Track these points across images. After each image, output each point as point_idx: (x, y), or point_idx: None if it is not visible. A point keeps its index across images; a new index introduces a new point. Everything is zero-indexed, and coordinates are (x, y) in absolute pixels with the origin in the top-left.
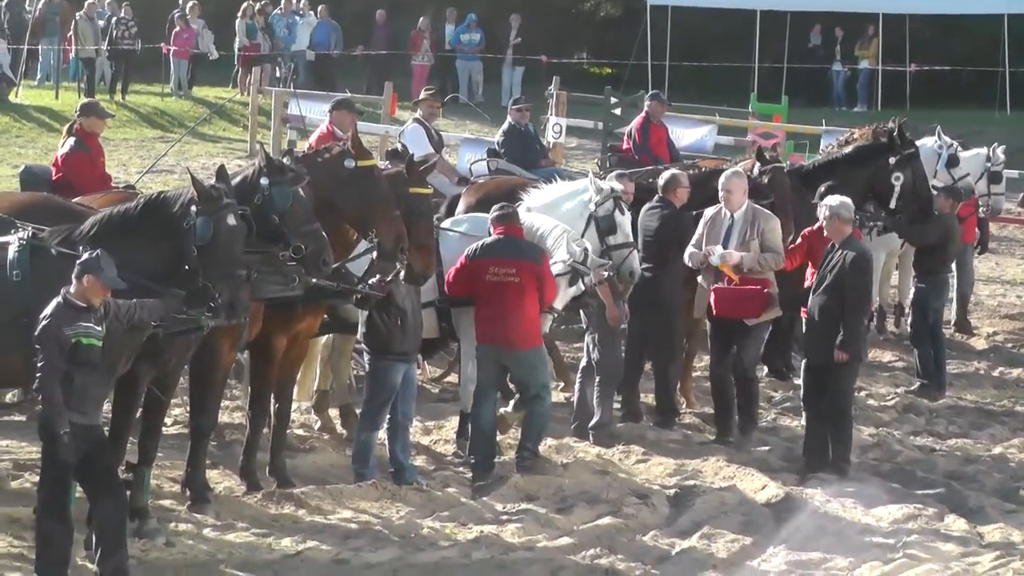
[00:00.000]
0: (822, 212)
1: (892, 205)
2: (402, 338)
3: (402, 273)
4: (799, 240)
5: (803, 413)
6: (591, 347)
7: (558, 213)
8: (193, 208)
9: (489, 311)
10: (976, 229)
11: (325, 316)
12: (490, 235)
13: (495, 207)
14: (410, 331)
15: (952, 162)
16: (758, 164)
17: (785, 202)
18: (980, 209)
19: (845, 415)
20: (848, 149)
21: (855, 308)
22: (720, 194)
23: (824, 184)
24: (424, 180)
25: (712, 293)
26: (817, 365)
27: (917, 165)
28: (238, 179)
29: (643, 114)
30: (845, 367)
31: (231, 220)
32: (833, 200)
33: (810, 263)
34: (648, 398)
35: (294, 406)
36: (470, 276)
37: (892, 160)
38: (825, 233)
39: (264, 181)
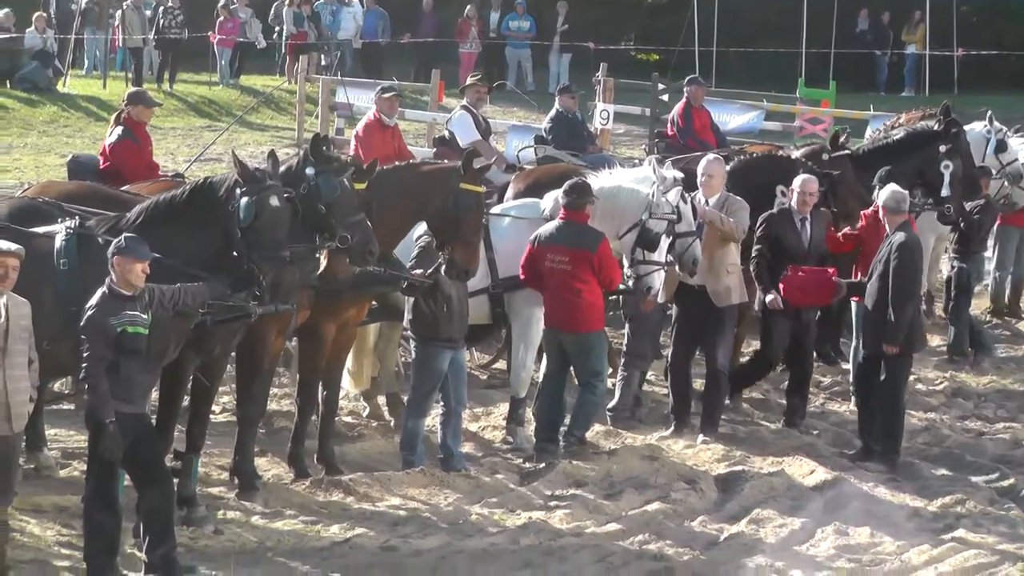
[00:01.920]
0: (879, 201)
1: (943, 193)
2: (448, 324)
3: (443, 268)
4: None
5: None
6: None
7: (620, 201)
8: (238, 191)
9: (549, 296)
10: None
11: (373, 303)
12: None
13: (564, 186)
14: (456, 317)
15: (1000, 147)
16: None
17: (852, 190)
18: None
19: (896, 406)
20: (899, 135)
21: (900, 297)
22: (700, 179)
23: (884, 168)
24: (477, 179)
25: (780, 283)
26: (871, 354)
27: (965, 150)
28: (282, 168)
29: (684, 99)
30: (897, 357)
31: (274, 201)
32: (888, 191)
33: (862, 248)
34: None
35: (343, 393)
36: (533, 261)
37: (942, 148)
38: (883, 222)
39: (310, 171)
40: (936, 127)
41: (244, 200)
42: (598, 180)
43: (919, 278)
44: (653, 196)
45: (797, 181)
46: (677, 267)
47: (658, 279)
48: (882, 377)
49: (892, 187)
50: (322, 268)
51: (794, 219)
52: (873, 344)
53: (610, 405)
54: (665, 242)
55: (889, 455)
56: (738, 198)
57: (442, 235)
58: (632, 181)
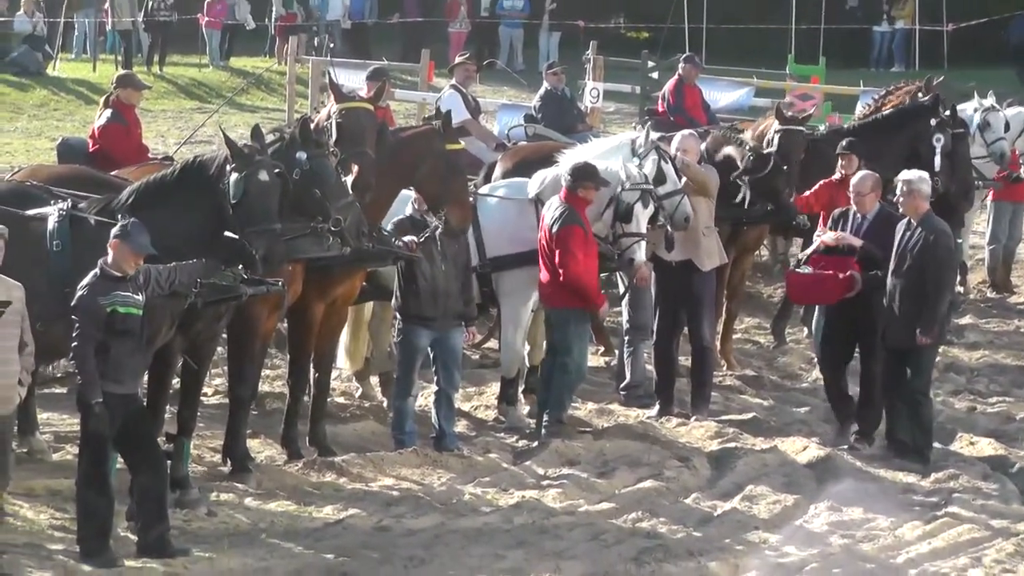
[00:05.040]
0: (899, 188)
1: (936, 168)
2: (416, 301)
3: (439, 230)
4: (819, 188)
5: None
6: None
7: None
8: (228, 168)
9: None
10: None
11: (364, 283)
12: None
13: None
14: (427, 296)
15: (983, 126)
16: (776, 122)
17: (791, 164)
18: (1022, 169)
19: (926, 398)
20: (888, 111)
21: (939, 290)
22: (677, 154)
23: (847, 139)
24: (456, 137)
25: (787, 278)
26: (898, 348)
27: (961, 140)
28: (271, 151)
29: (676, 76)
30: (926, 350)
31: (263, 176)
32: (911, 175)
33: (822, 216)
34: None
35: (335, 374)
36: None
37: (933, 122)
38: (901, 209)
39: (302, 155)
40: (925, 102)
41: (234, 176)
42: (573, 160)
43: (956, 269)
44: (623, 169)
45: (853, 180)
46: (669, 227)
47: (639, 250)
48: (909, 371)
49: (918, 172)
50: None
51: (852, 218)
52: (904, 337)
53: (623, 384)
54: (644, 212)
55: (924, 450)
56: (709, 166)
57: (434, 199)
58: (608, 152)
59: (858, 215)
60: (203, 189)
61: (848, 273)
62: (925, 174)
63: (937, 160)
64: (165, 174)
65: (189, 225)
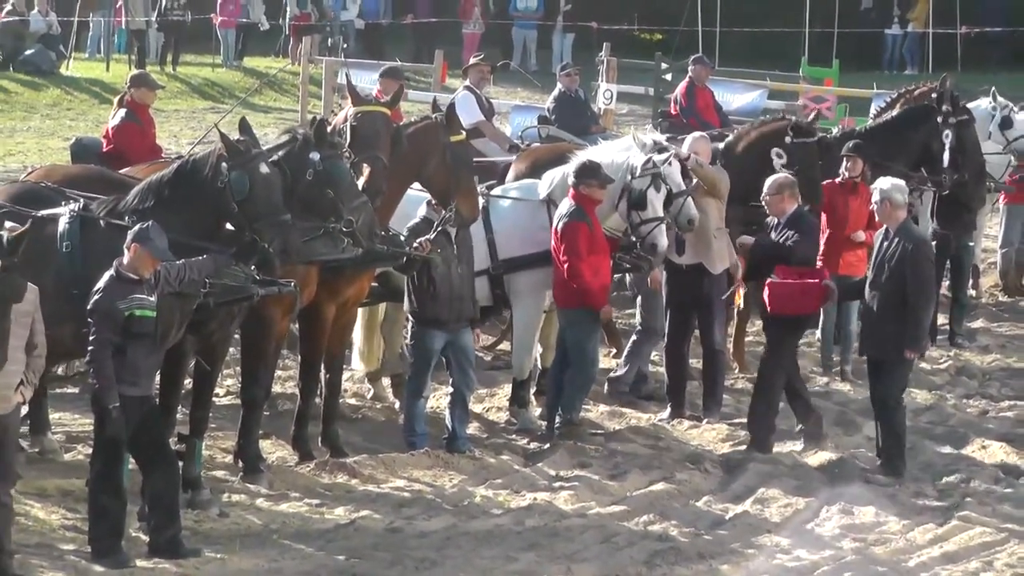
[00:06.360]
0: (873, 196)
1: (946, 164)
2: (434, 305)
3: (450, 222)
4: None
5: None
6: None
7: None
8: (224, 165)
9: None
10: None
11: (376, 284)
12: None
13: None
14: (443, 298)
15: (1005, 124)
16: (791, 134)
17: (814, 177)
18: None
19: (899, 405)
20: (896, 112)
21: (921, 302)
22: (690, 155)
23: (852, 141)
24: (459, 127)
25: (765, 288)
26: (876, 359)
27: (967, 126)
28: (282, 152)
29: (687, 78)
30: (906, 362)
31: (264, 169)
32: (884, 183)
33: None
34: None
35: (347, 375)
36: None
37: (939, 119)
38: (877, 218)
39: (315, 155)
40: (931, 98)
41: (235, 174)
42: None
43: (935, 281)
44: (630, 159)
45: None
46: (676, 229)
47: (661, 234)
48: (883, 380)
49: (891, 179)
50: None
51: (771, 222)
52: (881, 348)
53: (611, 375)
54: (657, 196)
55: (896, 463)
56: (720, 167)
57: (442, 193)
58: (616, 151)
59: (773, 219)
60: (200, 189)
61: (825, 283)
62: (900, 182)
63: (946, 156)
64: (163, 175)
65: (190, 224)
